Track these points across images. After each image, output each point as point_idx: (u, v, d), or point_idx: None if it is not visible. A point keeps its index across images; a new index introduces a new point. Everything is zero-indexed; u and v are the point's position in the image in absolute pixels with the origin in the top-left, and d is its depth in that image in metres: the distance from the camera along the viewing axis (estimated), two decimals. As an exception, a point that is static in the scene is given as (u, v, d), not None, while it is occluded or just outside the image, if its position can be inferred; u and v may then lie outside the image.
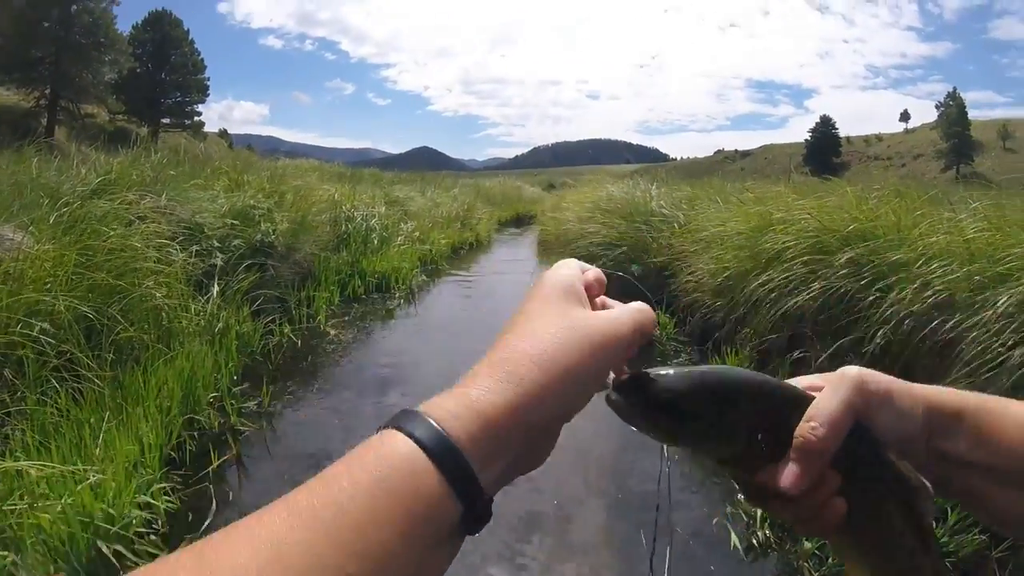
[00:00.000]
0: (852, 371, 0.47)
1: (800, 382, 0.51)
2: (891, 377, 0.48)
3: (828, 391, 0.47)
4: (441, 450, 0.36)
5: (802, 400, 0.47)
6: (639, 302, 0.49)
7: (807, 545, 2.86)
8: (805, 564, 2.82)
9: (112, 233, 4.18)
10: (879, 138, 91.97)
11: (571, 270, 0.49)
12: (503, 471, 0.40)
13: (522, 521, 3.25)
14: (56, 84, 32.62)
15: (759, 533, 3.06)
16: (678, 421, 0.47)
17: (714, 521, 3.23)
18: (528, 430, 0.40)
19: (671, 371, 0.48)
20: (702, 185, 10.19)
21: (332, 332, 6.54)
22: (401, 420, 0.38)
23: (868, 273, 4.22)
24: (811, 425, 0.45)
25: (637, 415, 0.48)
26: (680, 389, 0.47)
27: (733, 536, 3.06)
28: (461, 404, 0.39)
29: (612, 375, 0.48)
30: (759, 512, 3.17)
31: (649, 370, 0.48)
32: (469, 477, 0.36)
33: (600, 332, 0.44)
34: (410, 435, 0.36)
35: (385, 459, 0.36)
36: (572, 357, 0.42)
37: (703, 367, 0.49)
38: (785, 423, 0.46)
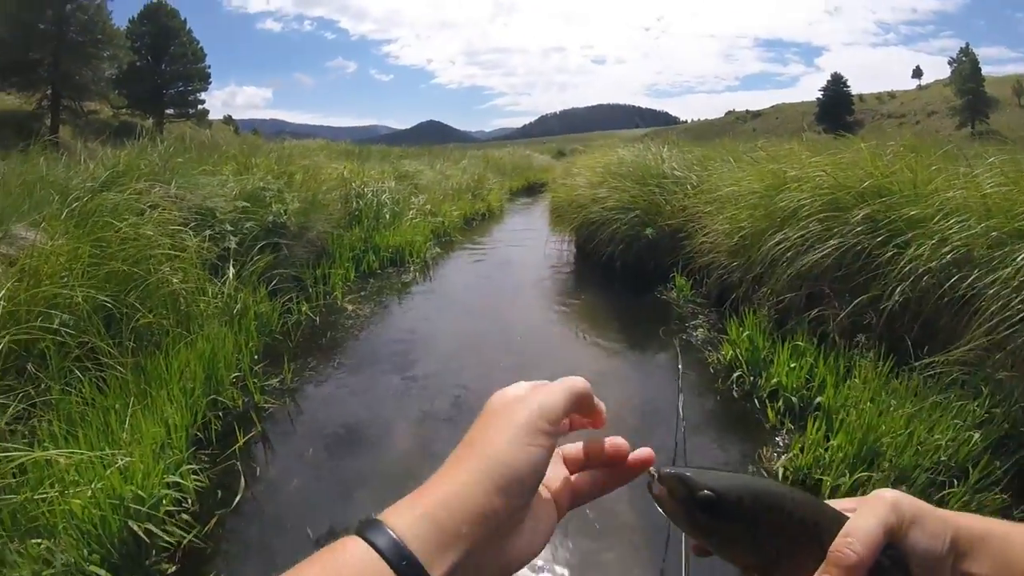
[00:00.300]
0: (888, 494, 0.49)
1: (834, 504, 0.53)
2: (921, 501, 0.50)
3: (865, 510, 0.48)
4: (384, 541, 0.40)
5: (838, 518, 0.49)
6: (572, 376, 0.52)
7: (829, 503, 2.87)
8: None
9: (123, 223, 4.21)
10: (892, 95, 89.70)
11: (518, 387, 0.53)
12: (458, 561, 0.42)
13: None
14: (57, 84, 32.66)
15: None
16: (716, 520, 0.49)
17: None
18: (474, 518, 0.43)
19: (717, 472, 0.50)
20: (714, 146, 10.07)
21: (350, 308, 6.58)
22: (360, 528, 0.42)
23: (885, 229, 4.17)
24: (848, 540, 0.46)
25: (678, 509, 0.50)
26: (723, 490, 0.48)
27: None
28: (405, 502, 0.44)
29: (654, 470, 0.52)
30: (781, 471, 3.19)
31: (695, 468, 0.50)
32: (406, 558, 0.40)
33: (522, 407, 0.48)
34: (360, 535, 0.41)
35: (338, 556, 0.41)
36: (495, 434, 0.47)
37: (747, 476, 0.51)
38: (818, 539, 0.48)
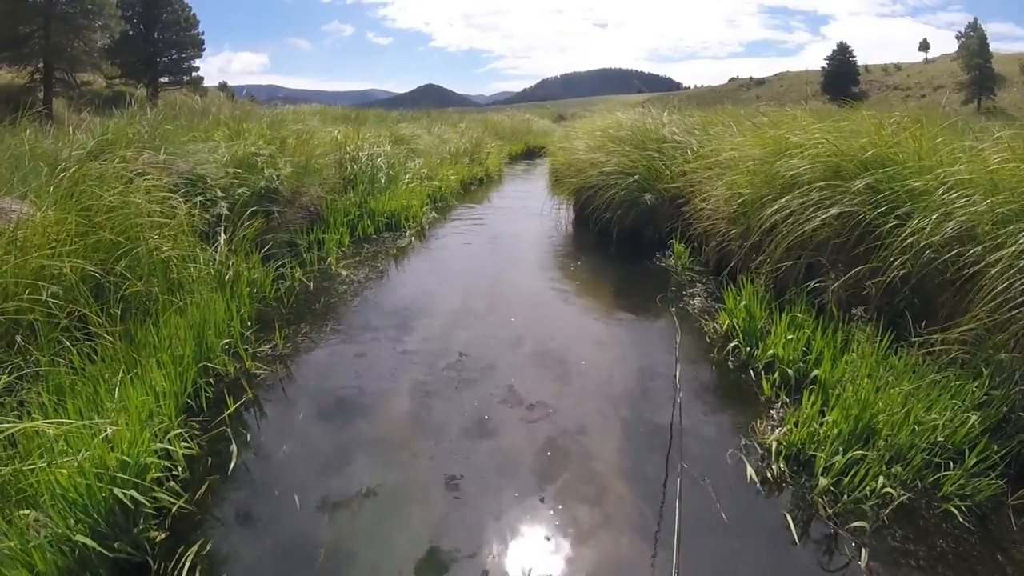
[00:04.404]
0: None
1: None
2: None
3: None
4: None
5: None
6: None
7: (822, 481, 2.86)
8: (820, 500, 2.82)
9: (109, 192, 4.14)
10: (898, 67, 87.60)
11: None
12: None
13: (539, 454, 3.29)
14: (48, 56, 32.18)
15: (774, 466, 3.06)
16: None
17: (729, 453, 3.23)
18: None
19: None
20: (716, 111, 9.93)
21: (344, 273, 6.53)
22: None
23: (887, 200, 4.11)
24: None
25: None
26: None
27: (748, 469, 3.06)
28: None
29: None
30: (774, 445, 3.17)
31: None
32: None
33: None
34: None
35: None
36: None
37: None
38: None
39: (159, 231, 4.32)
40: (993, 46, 68.04)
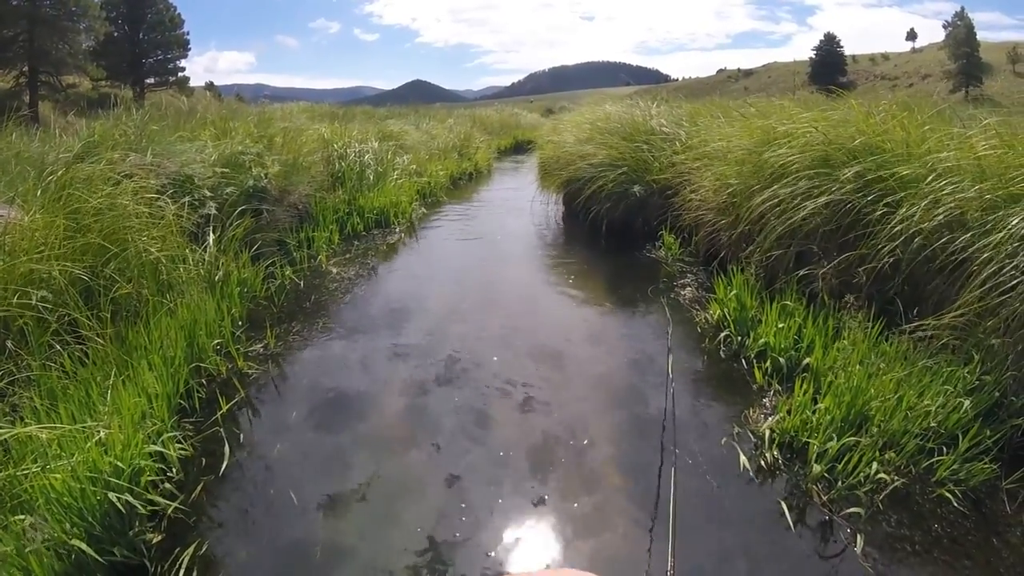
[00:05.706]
0: None
1: None
2: None
3: None
4: None
5: None
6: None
7: (816, 468, 2.88)
8: (814, 487, 2.84)
9: (97, 194, 4.12)
10: (885, 57, 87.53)
11: None
12: None
13: (534, 444, 3.31)
14: (33, 59, 31.88)
15: (767, 455, 3.08)
16: None
17: (722, 442, 3.25)
18: None
19: None
20: (703, 102, 9.94)
21: (334, 271, 6.52)
22: None
23: (876, 188, 4.12)
24: None
25: None
26: None
27: (742, 457, 3.08)
28: None
29: None
30: (767, 433, 3.19)
31: None
32: None
33: None
34: None
35: None
36: None
37: None
38: None
39: (148, 233, 4.29)
40: (980, 35, 68.28)
